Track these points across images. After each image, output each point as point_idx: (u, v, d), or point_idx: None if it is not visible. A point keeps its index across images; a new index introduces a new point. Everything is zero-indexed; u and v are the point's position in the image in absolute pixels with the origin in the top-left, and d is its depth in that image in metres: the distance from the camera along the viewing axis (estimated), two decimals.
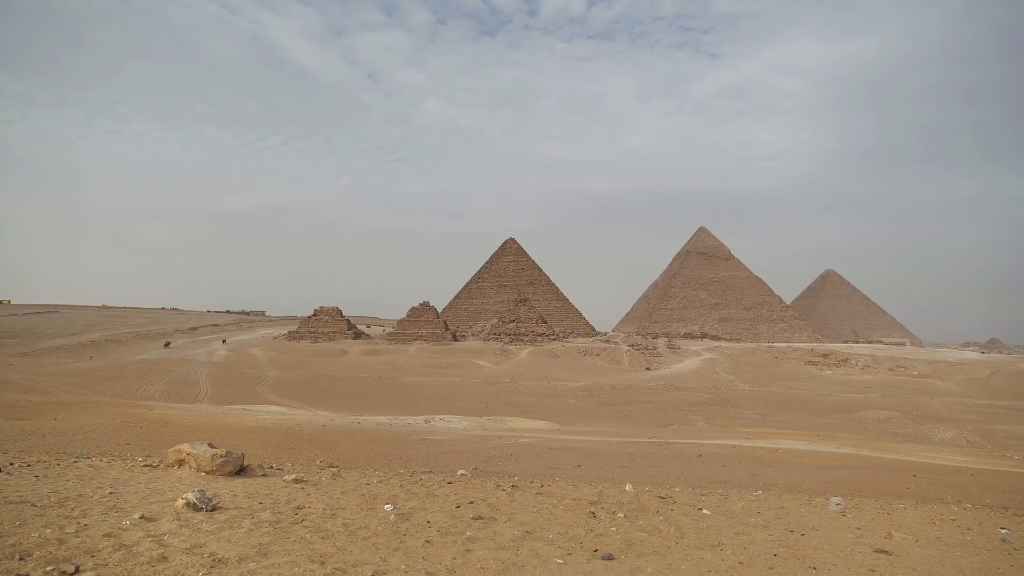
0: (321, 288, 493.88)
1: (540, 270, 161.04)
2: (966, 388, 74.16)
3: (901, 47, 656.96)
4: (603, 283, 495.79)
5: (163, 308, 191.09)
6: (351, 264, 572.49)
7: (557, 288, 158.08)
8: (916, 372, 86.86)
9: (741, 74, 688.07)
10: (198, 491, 9.29)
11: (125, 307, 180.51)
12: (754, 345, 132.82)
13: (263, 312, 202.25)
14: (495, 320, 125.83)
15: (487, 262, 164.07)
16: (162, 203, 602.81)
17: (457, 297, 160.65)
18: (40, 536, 7.38)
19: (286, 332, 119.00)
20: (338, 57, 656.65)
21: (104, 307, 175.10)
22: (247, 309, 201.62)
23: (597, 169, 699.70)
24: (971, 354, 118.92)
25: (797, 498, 13.96)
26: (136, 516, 8.44)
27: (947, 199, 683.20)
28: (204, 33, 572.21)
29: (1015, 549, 9.69)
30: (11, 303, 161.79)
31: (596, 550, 8.52)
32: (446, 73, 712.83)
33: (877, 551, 8.98)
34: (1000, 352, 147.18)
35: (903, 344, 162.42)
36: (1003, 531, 10.92)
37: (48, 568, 6.39)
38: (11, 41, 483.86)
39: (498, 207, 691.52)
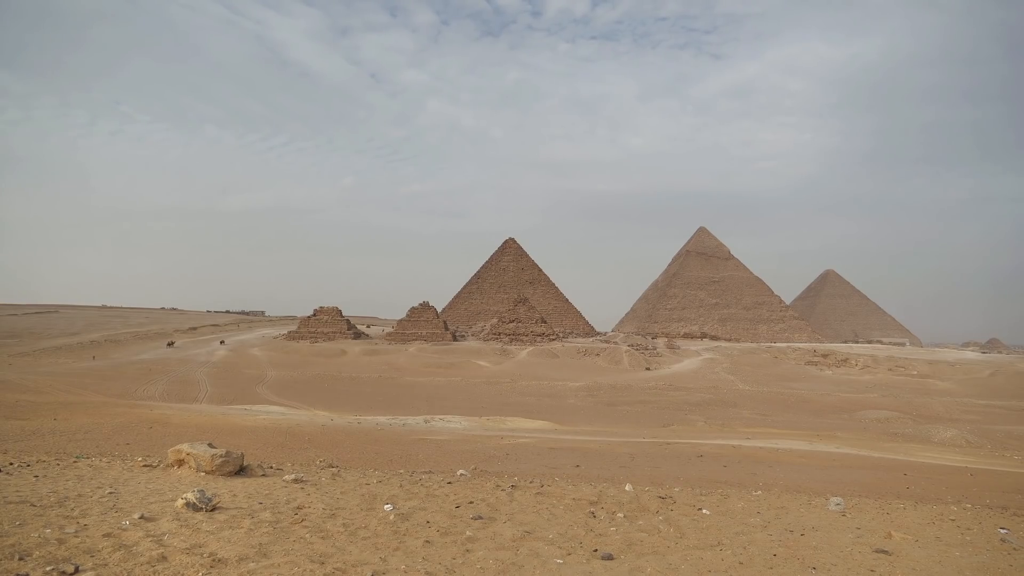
0: (321, 288, 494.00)
1: (540, 270, 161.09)
2: (966, 388, 74.19)
3: (903, 48, 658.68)
4: (603, 283, 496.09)
5: (163, 308, 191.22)
6: (351, 264, 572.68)
7: (557, 288, 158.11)
8: (916, 372, 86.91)
9: (744, 75, 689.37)
10: (198, 491, 9.28)
11: (124, 307, 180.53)
12: (754, 345, 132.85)
13: (263, 312, 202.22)
14: (495, 320, 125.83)
15: (487, 262, 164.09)
16: (164, 203, 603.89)
17: (457, 297, 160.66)
18: (40, 536, 7.37)
19: (286, 332, 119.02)
20: (342, 57, 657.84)
21: (104, 307, 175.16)
22: (247, 309, 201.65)
23: (599, 169, 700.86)
24: (971, 354, 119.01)
25: (797, 498, 13.96)
26: (136, 516, 8.43)
27: (947, 199, 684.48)
28: (207, 33, 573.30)
29: (1015, 549, 9.69)
30: None
31: (596, 550, 8.51)
32: (449, 73, 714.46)
33: (877, 551, 8.97)
34: (1000, 352, 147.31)
35: (903, 344, 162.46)
36: (1003, 531, 10.91)
37: (48, 568, 6.38)
38: (13, 41, 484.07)
39: (500, 207, 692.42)
